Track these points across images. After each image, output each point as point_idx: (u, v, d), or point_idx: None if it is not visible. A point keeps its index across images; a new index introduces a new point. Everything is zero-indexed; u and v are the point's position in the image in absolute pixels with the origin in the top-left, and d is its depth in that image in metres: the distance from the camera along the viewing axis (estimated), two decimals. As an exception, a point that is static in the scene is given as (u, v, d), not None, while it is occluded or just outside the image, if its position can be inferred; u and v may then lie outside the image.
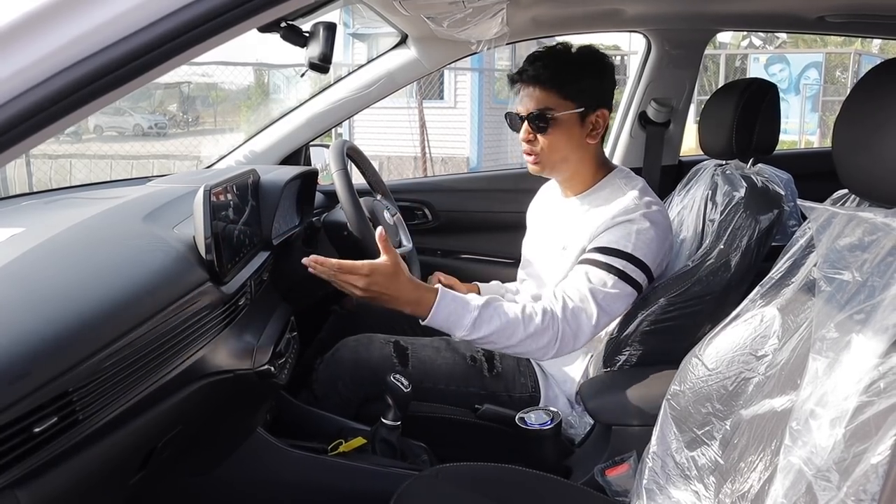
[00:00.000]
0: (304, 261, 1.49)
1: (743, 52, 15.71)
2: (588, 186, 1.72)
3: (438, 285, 1.54)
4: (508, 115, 1.71)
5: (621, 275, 1.54)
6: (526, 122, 1.65)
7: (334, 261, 1.49)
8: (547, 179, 1.87)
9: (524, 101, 1.66)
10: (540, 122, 1.63)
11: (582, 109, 1.63)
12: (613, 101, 1.74)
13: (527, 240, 1.93)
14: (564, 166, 1.70)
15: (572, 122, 1.64)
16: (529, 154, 1.68)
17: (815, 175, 1.32)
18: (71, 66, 0.67)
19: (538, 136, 1.65)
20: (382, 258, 1.49)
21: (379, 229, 1.52)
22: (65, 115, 0.68)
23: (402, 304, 1.50)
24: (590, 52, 1.68)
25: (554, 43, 1.71)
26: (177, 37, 0.69)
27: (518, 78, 1.67)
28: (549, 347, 1.52)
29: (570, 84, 1.63)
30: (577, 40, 1.83)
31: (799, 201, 1.04)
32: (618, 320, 1.62)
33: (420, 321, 1.51)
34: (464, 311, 1.49)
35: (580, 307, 1.53)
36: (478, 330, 1.49)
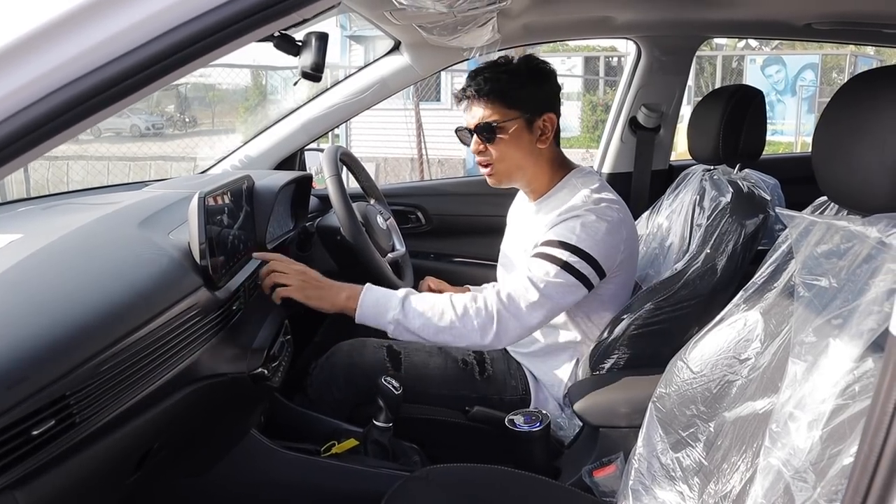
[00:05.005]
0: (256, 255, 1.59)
1: (739, 54, 15.72)
2: (547, 190, 1.75)
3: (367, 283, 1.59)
4: (458, 131, 1.75)
5: (564, 265, 1.55)
6: (475, 135, 1.68)
7: (273, 255, 1.60)
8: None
9: (470, 116, 1.70)
10: (487, 133, 1.66)
11: (527, 116, 1.67)
12: (611, 104, 1.76)
13: (502, 244, 1.96)
14: (520, 174, 1.73)
15: (519, 129, 1.67)
16: (484, 166, 1.72)
17: (801, 179, 1.34)
18: (96, 69, 0.70)
19: (488, 146, 1.68)
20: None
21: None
22: (89, 115, 0.72)
23: (334, 294, 1.57)
24: (530, 61, 1.72)
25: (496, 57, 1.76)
26: (183, 48, 0.72)
27: (462, 94, 1.71)
28: (485, 331, 1.53)
29: (512, 94, 1.66)
30: (570, 44, 1.87)
31: (778, 209, 1.06)
32: (607, 323, 1.65)
33: (354, 318, 1.56)
34: (390, 296, 1.55)
35: (520, 293, 1.54)
36: (406, 310, 1.52)
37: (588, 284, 1.58)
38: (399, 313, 1.53)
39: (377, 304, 1.55)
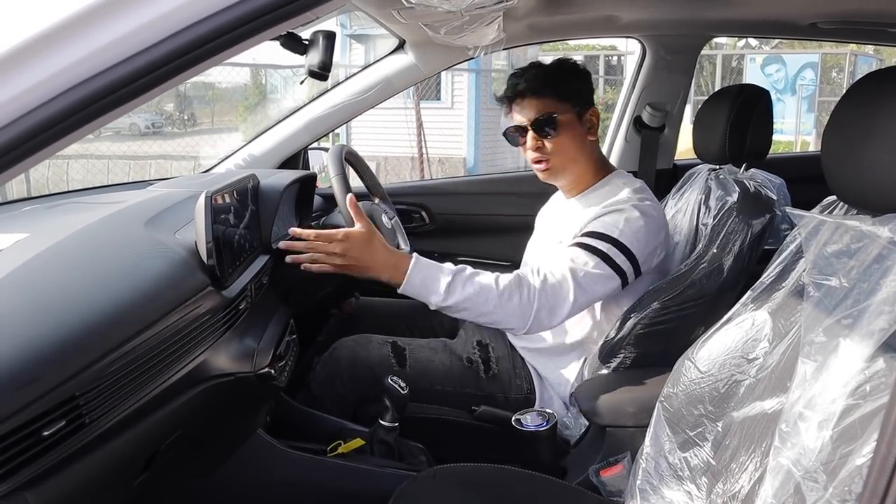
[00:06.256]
0: (283, 244, 1.56)
1: (739, 53, 15.70)
2: (588, 186, 1.77)
3: (414, 253, 1.56)
4: (508, 132, 1.75)
5: (604, 257, 1.56)
6: (531, 131, 1.69)
7: (310, 231, 1.54)
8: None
9: (524, 113, 1.71)
10: (547, 126, 1.68)
11: (577, 109, 1.70)
12: (611, 103, 1.79)
13: (530, 241, 1.97)
14: (573, 167, 1.74)
15: (573, 121, 1.70)
16: (540, 161, 1.72)
17: (808, 178, 1.35)
18: (107, 69, 0.71)
19: (545, 141, 1.70)
20: (356, 226, 1.55)
21: (349, 196, 1.58)
22: (100, 115, 0.72)
23: (380, 270, 1.54)
24: (566, 60, 1.77)
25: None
26: (195, 48, 0.72)
27: (512, 94, 1.72)
28: (523, 318, 1.53)
29: (563, 86, 1.70)
30: (570, 43, 1.91)
31: (787, 209, 1.06)
32: (614, 322, 1.65)
33: (396, 289, 1.54)
34: (438, 275, 1.52)
35: (559, 283, 1.54)
36: (452, 295, 1.51)
37: (623, 278, 1.59)
38: (443, 299, 1.52)
39: (422, 284, 1.53)
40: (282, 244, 1.58)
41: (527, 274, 1.56)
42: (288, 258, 1.57)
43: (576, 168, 1.75)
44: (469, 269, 1.55)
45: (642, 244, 1.60)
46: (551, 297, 1.54)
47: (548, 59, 1.79)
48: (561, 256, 1.59)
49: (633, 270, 1.59)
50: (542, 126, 1.68)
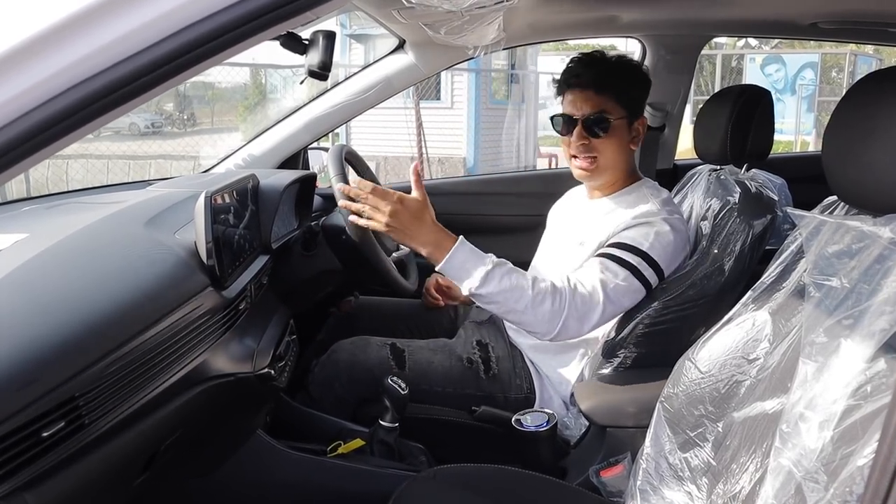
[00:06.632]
0: (339, 187, 1.57)
1: (739, 53, 15.71)
2: (616, 190, 1.76)
3: (460, 236, 1.54)
4: (557, 118, 1.72)
5: (633, 270, 1.56)
6: (580, 126, 1.66)
7: (369, 183, 1.52)
8: (577, 183, 1.87)
9: (578, 105, 1.67)
10: (599, 125, 1.65)
11: (630, 117, 1.68)
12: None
13: (544, 238, 1.96)
14: (611, 171, 1.72)
15: (623, 127, 1.68)
16: (582, 158, 1.69)
17: (809, 178, 1.35)
18: (108, 68, 0.71)
19: (592, 139, 1.67)
20: (413, 193, 1.53)
21: (414, 163, 1.57)
22: (101, 115, 0.72)
23: (422, 243, 1.52)
24: (631, 61, 1.74)
25: (591, 50, 1.75)
26: (196, 48, 0.72)
27: (574, 81, 1.68)
28: (551, 324, 1.52)
29: (623, 91, 1.67)
30: (572, 44, 1.89)
31: (788, 209, 1.06)
32: (614, 323, 1.65)
33: (435, 267, 1.53)
34: (478, 263, 1.50)
35: (589, 294, 1.54)
36: (487, 284, 1.49)
37: (649, 290, 1.59)
38: (477, 286, 1.49)
39: (461, 267, 1.51)
40: (338, 186, 1.57)
41: (560, 282, 1.55)
42: (340, 203, 1.56)
43: (614, 172, 1.73)
44: (509, 265, 1.54)
45: (670, 258, 1.60)
46: (581, 307, 1.53)
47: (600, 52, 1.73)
48: (590, 267, 1.58)
49: (657, 282, 1.59)
50: (594, 125, 1.65)
